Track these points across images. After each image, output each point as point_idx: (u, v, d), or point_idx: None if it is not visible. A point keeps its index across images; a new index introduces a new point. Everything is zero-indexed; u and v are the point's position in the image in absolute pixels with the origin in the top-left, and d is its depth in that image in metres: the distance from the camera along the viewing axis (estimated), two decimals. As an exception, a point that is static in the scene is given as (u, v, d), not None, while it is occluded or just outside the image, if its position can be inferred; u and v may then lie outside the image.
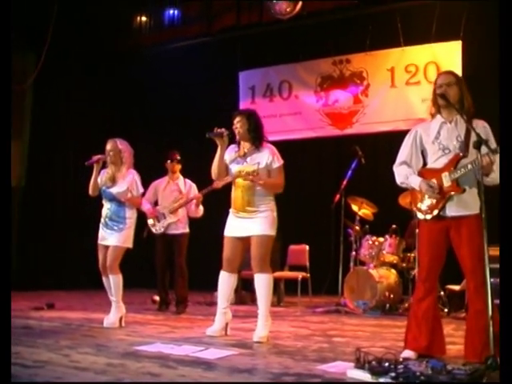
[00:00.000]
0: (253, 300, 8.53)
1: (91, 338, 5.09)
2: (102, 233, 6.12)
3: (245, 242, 5.26)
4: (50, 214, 11.68)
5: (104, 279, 6.12)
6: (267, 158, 5.24)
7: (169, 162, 7.92)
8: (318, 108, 11.36)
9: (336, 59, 11.24)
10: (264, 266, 5.16)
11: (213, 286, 8.48)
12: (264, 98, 11.89)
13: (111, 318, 5.96)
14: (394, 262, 8.11)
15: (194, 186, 7.92)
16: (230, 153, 5.41)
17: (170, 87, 12.22)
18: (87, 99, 12.21)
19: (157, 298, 8.39)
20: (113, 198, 6.11)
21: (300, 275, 8.54)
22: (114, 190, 6.10)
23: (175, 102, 12.31)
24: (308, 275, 8.63)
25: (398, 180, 4.50)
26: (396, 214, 8.34)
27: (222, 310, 5.34)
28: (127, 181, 6.12)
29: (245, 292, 9.02)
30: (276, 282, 8.79)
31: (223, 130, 5.30)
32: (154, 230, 7.75)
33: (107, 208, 6.14)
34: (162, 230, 7.69)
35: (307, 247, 8.94)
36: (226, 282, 5.33)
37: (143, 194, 6.51)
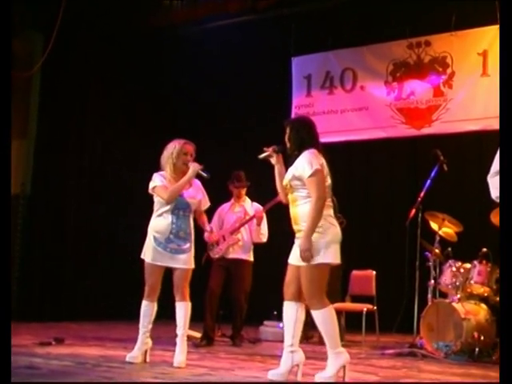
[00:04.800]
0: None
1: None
2: (163, 253, 6.07)
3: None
4: (60, 229, 11.65)
5: (147, 303, 6.17)
6: (298, 167, 5.29)
7: (232, 183, 8.17)
8: (390, 102, 11.33)
9: (412, 41, 11.19)
10: (314, 302, 5.18)
11: (257, 321, 8.54)
12: (322, 89, 11.90)
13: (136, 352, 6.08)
14: (485, 294, 8.00)
15: (261, 208, 8.10)
16: None
17: (207, 74, 12.30)
18: (107, 89, 12.31)
19: (190, 332, 8.42)
20: (186, 208, 6.14)
21: (365, 308, 8.55)
22: (190, 199, 6.16)
23: (213, 92, 12.41)
24: (375, 308, 8.65)
25: (494, 194, 4.44)
26: (487, 235, 8.24)
27: (287, 347, 5.33)
28: (198, 188, 6.26)
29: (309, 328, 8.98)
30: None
31: (270, 148, 5.54)
32: (211, 255, 8.02)
33: (172, 222, 6.08)
34: (220, 253, 7.96)
35: (374, 273, 8.97)
36: (285, 312, 5.37)
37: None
